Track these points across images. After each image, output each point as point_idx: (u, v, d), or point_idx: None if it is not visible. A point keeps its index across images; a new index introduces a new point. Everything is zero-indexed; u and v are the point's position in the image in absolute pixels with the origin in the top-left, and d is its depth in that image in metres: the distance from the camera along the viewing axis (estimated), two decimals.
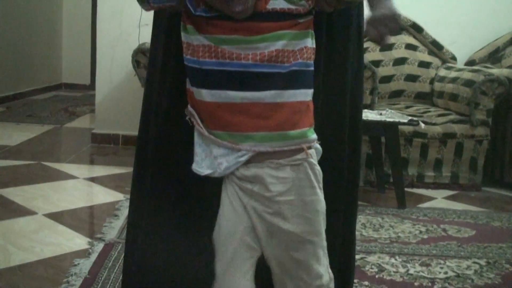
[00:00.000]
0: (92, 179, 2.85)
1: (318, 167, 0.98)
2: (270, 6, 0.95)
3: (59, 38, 6.57)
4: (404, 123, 2.57)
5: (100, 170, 3.03)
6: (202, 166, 0.99)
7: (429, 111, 3.12)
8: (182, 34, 0.99)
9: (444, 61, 3.48)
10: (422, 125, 2.63)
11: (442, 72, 3.35)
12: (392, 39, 3.40)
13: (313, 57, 0.99)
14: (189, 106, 1.02)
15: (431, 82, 3.39)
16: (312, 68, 0.98)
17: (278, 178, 0.96)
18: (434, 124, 2.95)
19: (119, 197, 2.51)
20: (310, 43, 0.98)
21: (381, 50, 3.39)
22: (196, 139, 1.01)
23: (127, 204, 2.36)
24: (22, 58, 5.57)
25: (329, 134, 1.13)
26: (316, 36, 0.99)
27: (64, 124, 4.31)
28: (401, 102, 3.35)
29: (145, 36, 3.41)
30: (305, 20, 0.97)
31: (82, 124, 4.37)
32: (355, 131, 1.25)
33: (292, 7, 0.95)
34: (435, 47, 3.46)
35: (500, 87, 2.92)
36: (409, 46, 3.44)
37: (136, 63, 2.93)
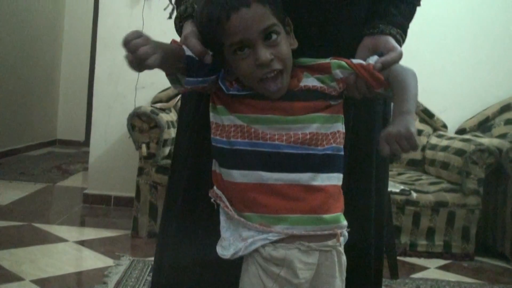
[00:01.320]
0: (82, 243, 2.82)
1: (344, 257, 0.97)
2: (302, 83, 0.97)
3: (56, 95, 6.63)
4: (396, 193, 2.59)
5: (91, 233, 3.00)
6: (230, 250, 0.95)
7: (421, 179, 3.15)
8: (211, 114, 1.00)
9: (435, 129, 3.53)
10: (414, 195, 2.64)
11: (434, 140, 3.40)
12: None
13: (343, 142, 0.99)
14: (215, 188, 1.00)
15: (423, 149, 3.43)
16: (343, 153, 0.99)
17: (306, 264, 0.93)
18: (426, 192, 2.96)
19: (108, 263, 2.47)
20: (341, 127, 0.99)
21: None
22: (223, 223, 0.98)
23: (116, 270, 2.34)
24: (18, 114, 5.60)
25: (355, 219, 1.07)
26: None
27: (57, 183, 4.30)
28: (393, 169, 3.37)
29: (141, 98, 3.48)
30: (336, 103, 1.00)
31: (74, 183, 4.35)
32: (380, 217, 1.23)
33: (324, 86, 0.97)
34: (427, 115, 3.52)
35: (491, 157, 2.96)
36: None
37: (131, 126, 2.95)
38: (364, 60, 1.01)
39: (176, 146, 1.24)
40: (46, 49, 6.20)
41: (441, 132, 3.48)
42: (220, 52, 0.95)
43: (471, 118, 3.55)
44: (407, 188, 2.62)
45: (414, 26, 3.63)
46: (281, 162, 0.94)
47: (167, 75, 0.96)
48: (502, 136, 3.26)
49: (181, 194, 1.13)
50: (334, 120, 0.98)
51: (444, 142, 3.27)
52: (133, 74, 3.30)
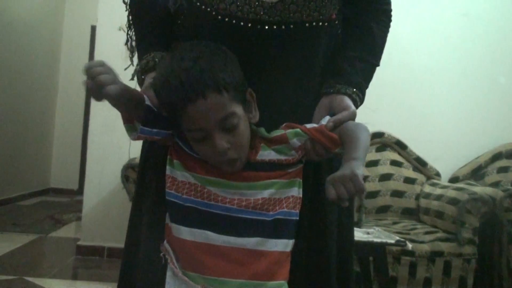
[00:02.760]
0: None
1: None
2: (259, 157, 0.97)
3: (50, 143, 6.64)
4: (391, 244, 2.58)
5: (83, 287, 2.96)
6: None
7: (416, 228, 3.15)
8: (168, 168, 0.99)
9: (428, 177, 3.56)
10: (410, 245, 2.64)
11: (427, 189, 3.42)
12: (377, 156, 3.50)
13: (298, 207, 0.98)
14: (165, 242, 0.99)
15: (417, 198, 3.45)
16: (296, 218, 0.97)
17: None
18: (422, 242, 2.96)
19: None
20: (297, 192, 0.99)
21: (367, 165, 3.48)
22: (168, 279, 0.97)
23: None
24: (10, 163, 5.60)
25: (313, 271, 1.07)
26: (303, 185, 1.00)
27: (49, 234, 4.26)
28: (388, 218, 3.38)
29: (136, 150, 3.48)
30: (294, 169, 0.99)
31: (67, 234, 4.31)
32: (345, 267, 1.16)
33: (282, 157, 0.98)
34: (420, 164, 3.55)
35: (484, 206, 2.97)
36: (394, 163, 3.53)
37: (125, 178, 2.96)
38: (319, 121, 1.02)
39: (137, 197, 1.17)
40: (40, 98, 6.25)
41: (435, 181, 3.51)
42: (177, 124, 0.95)
43: (464, 166, 3.58)
44: (402, 239, 2.62)
45: (405, 74, 3.69)
46: (230, 226, 0.94)
47: (124, 122, 0.96)
48: (495, 184, 3.28)
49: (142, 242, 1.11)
50: (290, 185, 0.98)
51: (438, 191, 3.29)
52: None
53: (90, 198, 3.62)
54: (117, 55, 3.72)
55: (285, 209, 0.96)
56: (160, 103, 0.93)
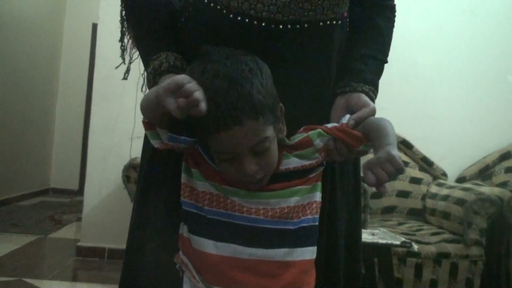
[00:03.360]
0: None
1: None
2: (283, 166, 0.95)
3: (50, 143, 6.65)
4: (397, 245, 2.57)
5: None
6: None
7: (422, 229, 3.13)
8: (184, 176, 0.95)
9: (435, 177, 3.54)
10: (415, 247, 2.63)
11: (434, 189, 3.40)
12: None
13: (319, 212, 0.97)
14: (180, 253, 0.96)
15: (423, 198, 3.43)
16: (317, 223, 0.96)
17: None
18: (428, 243, 2.94)
19: None
20: (318, 197, 0.97)
21: None
22: None
23: None
24: (10, 162, 5.60)
25: (322, 273, 1.06)
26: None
27: (49, 234, 4.26)
28: (393, 219, 3.37)
29: (137, 149, 3.48)
30: (315, 174, 0.98)
31: (67, 235, 4.31)
32: (353, 271, 1.18)
33: (306, 163, 0.96)
34: (426, 164, 3.54)
35: (492, 207, 2.96)
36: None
37: (126, 178, 2.96)
38: (338, 121, 1.01)
39: (140, 205, 1.14)
40: (40, 98, 6.25)
41: (441, 181, 3.49)
42: (204, 139, 0.91)
43: (471, 166, 3.57)
44: (408, 240, 2.61)
45: (412, 73, 3.67)
46: (257, 237, 0.90)
47: (148, 129, 0.92)
48: (503, 184, 3.27)
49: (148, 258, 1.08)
50: (313, 189, 0.97)
51: (444, 191, 3.27)
52: (129, 124, 3.32)
53: (91, 198, 3.62)
54: (118, 53, 3.71)
55: (309, 216, 0.95)
56: (189, 119, 0.88)
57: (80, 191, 5.72)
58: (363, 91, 1.06)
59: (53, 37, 6.44)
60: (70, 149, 6.61)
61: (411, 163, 3.54)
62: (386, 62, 1.17)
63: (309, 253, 0.94)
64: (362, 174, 1.04)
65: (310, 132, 0.97)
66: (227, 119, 0.83)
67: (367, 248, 2.55)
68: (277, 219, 0.92)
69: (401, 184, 3.45)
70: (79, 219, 4.38)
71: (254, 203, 0.92)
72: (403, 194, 3.44)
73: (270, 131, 0.89)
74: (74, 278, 3.25)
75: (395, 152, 0.85)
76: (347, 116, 1.00)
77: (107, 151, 3.59)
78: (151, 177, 1.11)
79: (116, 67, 1.35)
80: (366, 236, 2.63)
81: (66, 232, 4.41)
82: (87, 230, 3.62)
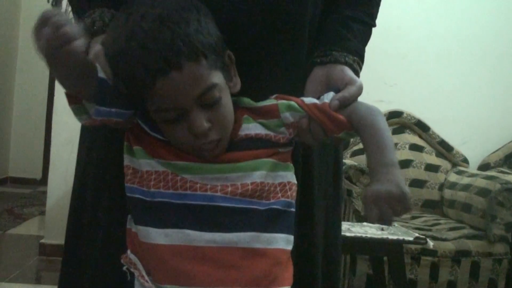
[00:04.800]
0: None
1: None
2: (243, 131, 0.93)
3: (8, 126, 6.62)
4: (409, 242, 2.60)
5: None
6: None
7: (439, 224, 3.16)
8: (126, 156, 0.93)
9: (454, 164, 3.57)
10: (431, 243, 2.65)
11: (453, 178, 3.43)
12: (394, 139, 3.51)
13: (294, 196, 0.95)
14: (128, 252, 0.93)
15: (440, 188, 3.46)
16: (293, 210, 0.94)
17: None
18: (445, 239, 2.97)
19: None
20: (292, 178, 0.95)
21: None
22: None
23: None
24: None
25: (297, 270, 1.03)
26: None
27: (8, 230, 4.26)
28: None
29: None
30: (285, 151, 0.96)
31: (29, 231, 4.32)
32: (331, 267, 1.18)
33: (271, 133, 0.93)
34: (444, 148, 3.57)
35: None
36: (414, 147, 3.54)
37: None
38: (317, 96, 0.98)
39: (78, 193, 1.14)
40: None
41: (462, 168, 3.52)
42: (141, 103, 0.88)
43: (495, 151, 3.60)
44: (422, 236, 2.63)
45: (429, 44, 3.69)
46: (215, 219, 0.87)
47: (70, 103, 0.87)
48: None
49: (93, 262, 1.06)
50: (282, 168, 0.94)
51: (465, 180, 3.30)
52: None
53: (56, 189, 3.62)
54: None
55: (282, 198, 0.92)
56: (116, 77, 0.86)
57: (43, 180, 5.70)
58: (346, 63, 1.03)
59: (9, 12, 6.39)
60: (31, 132, 6.58)
61: (427, 147, 3.56)
62: (374, 25, 1.15)
63: (282, 241, 0.91)
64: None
65: (280, 101, 0.94)
66: (161, 64, 0.81)
67: (375, 245, 2.58)
68: (239, 197, 0.88)
69: (415, 171, 3.48)
70: (42, 213, 4.39)
71: (209, 179, 0.89)
72: (418, 183, 3.46)
73: (218, 78, 0.87)
74: (37, 280, 3.26)
75: (406, 187, 0.83)
76: (331, 93, 0.97)
77: (74, 134, 3.55)
78: (91, 163, 1.10)
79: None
80: (374, 231, 2.66)
81: (28, 228, 4.41)
82: (52, 225, 3.62)
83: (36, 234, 4.14)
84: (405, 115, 3.55)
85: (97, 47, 0.91)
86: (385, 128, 0.93)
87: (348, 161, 3.01)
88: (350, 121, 0.93)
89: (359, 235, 2.47)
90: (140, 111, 0.91)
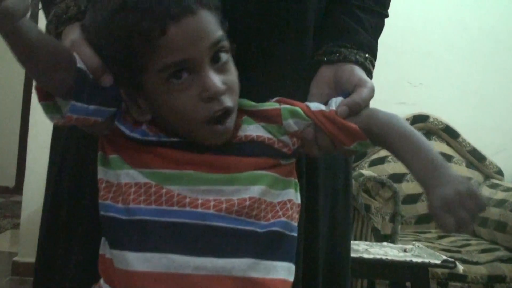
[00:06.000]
0: None
1: None
2: (242, 132, 0.91)
3: None
4: (436, 265, 2.58)
5: None
6: None
7: (469, 244, 3.15)
8: (100, 169, 0.90)
9: (487, 176, 3.56)
10: (460, 267, 2.63)
11: (486, 192, 3.42)
12: None
13: (297, 218, 0.92)
14: (101, 282, 0.90)
15: None
16: (296, 234, 0.92)
17: None
18: (476, 263, 2.96)
19: None
20: (295, 196, 0.93)
21: None
22: None
23: None
24: None
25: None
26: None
27: None
28: (432, 230, 3.38)
29: None
30: (287, 163, 0.94)
31: (1, 246, 4.32)
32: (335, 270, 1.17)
33: (274, 138, 0.91)
34: (475, 158, 3.56)
35: None
36: (442, 156, 3.51)
37: None
38: (323, 101, 0.96)
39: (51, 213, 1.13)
40: None
41: (495, 181, 3.51)
42: (134, 80, 0.87)
43: None
44: (450, 259, 2.62)
45: (460, 40, 3.66)
46: (206, 241, 0.84)
47: (40, 100, 0.86)
48: None
49: None
50: (284, 184, 0.92)
51: (499, 195, 3.29)
52: None
53: (32, 198, 3.61)
54: None
55: (283, 218, 0.89)
56: (107, 50, 0.85)
57: (17, 188, 5.71)
58: (357, 62, 1.02)
59: None
60: (4, 135, 6.60)
61: (456, 157, 3.55)
62: (387, 16, 1.14)
63: (283, 270, 0.88)
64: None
65: (283, 106, 0.92)
66: (175, 9, 0.82)
67: (397, 269, 2.56)
68: (235, 216, 0.85)
69: None
70: (15, 226, 4.39)
71: (200, 192, 0.86)
72: None
73: (224, 35, 0.88)
74: None
75: (472, 183, 0.84)
76: (339, 98, 0.95)
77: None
78: (64, 178, 1.09)
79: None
80: (396, 253, 2.64)
81: None
82: (27, 240, 3.61)
83: (8, 250, 4.13)
84: (431, 119, 3.54)
85: (73, 34, 0.90)
86: (418, 132, 0.90)
87: (366, 171, 3.00)
88: (368, 129, 0.91)
89: (378, 257, 2.45)
90: (120, 109, 0.89)
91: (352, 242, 2.58)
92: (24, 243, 3.62)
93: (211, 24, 0.85)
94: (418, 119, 3.52)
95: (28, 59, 0.81)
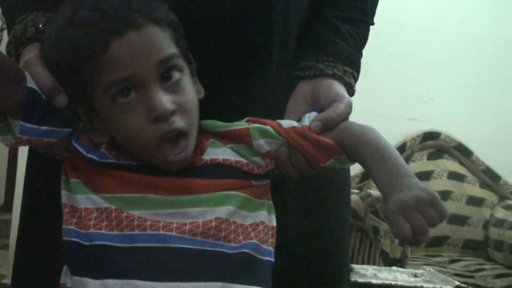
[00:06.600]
0: None
1: None
2: (207, 156, 0.91)
3: None
4: None
5: None
6: None
7: (483, 269, 3.15)
8: (63, 193, 0.90)
9: (502, 197, 3.56)
10: None
11: (500, 213, 3.42)
12: (429, 165, 3.50)
13: (272, 242, 0.92)
14: None
15: (485, 226, 3.45)
16: (271, 259, 0.91)
17: None
18: None
19: None
20: (267, 218, 0.92)
21: None
22: None
23: None
24: None
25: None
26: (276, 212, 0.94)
27: None
28: (443, 254, 3.38)
29: None
30: (260, 184, 0.93)
31: None
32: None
33: (243, 160, 0.91)
34: (490, 178, 3.56)
35: None
36: (454, 176, 3.53)
37: None
38: (299, 118, 0.96)
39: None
40: None
41: (511, 202, 3.50)
42: (86, 99, 0.87)
43: None
44: (463, 285, 2.62)
45: (474, 56, 3.66)
46: (169, 265, 0.83)
47: None
48: None
49: None
50: (256, 206, 0.92)
51: None
52: None
53: None
54: None
55: (254, 240, 0.89)
56: (58, 64, 0.86)
57: (7, 206, 5.70)
58: (334, 75, 1.02)
59: None
60: None
61: (469, 176, 3.55)
62: (372, 24, 1.13)
63: None
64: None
65: (252, 125, 0.92)
66: (116, 23, 0.83)
67: None
68: (200, 238, 0.85)
69: (455, 205, 3.46)
70: (4, 247, 4.38)
71: (163, 215, 0.86)
72: (458, 219, 3.45)
73: (182, 59, 0.89)
74: None
75: (433, 191, 0.80)
76: (313, 114, 0.95)
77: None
78: (35, 200, 1.10)
79: None
80: (406, 278, 2.64)
81: None
82: None
83: None
84: (443, 136, 3.55)
85: (29, 54, 0.91)
86: (390, 145, 0.90)
87: (374, 192, 3.00)
88: (342, 144, 0.90)
89: (387, 282, 2.45)
90: (78, 129, 0.89)
91: (360, 266, 2.61)
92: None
93: (160, 40, 0.85)
94: (429, 136, 3.53)
95: None
